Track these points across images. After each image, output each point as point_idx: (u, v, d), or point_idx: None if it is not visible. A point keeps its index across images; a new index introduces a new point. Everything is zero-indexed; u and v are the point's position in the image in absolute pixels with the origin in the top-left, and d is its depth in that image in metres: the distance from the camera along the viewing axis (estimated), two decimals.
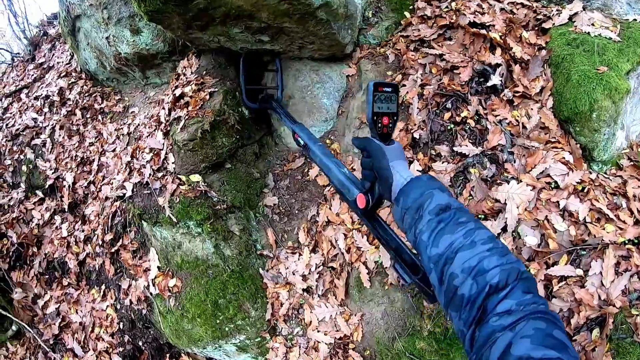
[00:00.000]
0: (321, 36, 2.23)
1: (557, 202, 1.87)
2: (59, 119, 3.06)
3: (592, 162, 2.07)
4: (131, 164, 2.37)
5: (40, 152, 3.10)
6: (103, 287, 2.55)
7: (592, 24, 2.16)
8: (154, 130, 2.33)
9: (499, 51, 2.21)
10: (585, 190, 1.90)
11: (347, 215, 2.20)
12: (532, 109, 2.14)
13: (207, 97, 2.22)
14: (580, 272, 1.74)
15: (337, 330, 2.10)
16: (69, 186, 2.71)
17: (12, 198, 3.03)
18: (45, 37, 4.22)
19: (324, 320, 2.13)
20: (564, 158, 1.95)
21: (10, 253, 2.82)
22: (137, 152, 2.39)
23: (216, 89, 2.24)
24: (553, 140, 2.04)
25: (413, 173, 1.07)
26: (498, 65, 2.19)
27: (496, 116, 2.14)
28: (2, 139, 3.38)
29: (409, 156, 2.18)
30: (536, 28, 2.25)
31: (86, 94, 3.07)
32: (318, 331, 2.13)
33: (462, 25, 2.30)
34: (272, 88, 2.54)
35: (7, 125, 3.46)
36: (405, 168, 1.07)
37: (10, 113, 3.56)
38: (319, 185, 2.36)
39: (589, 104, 1.94)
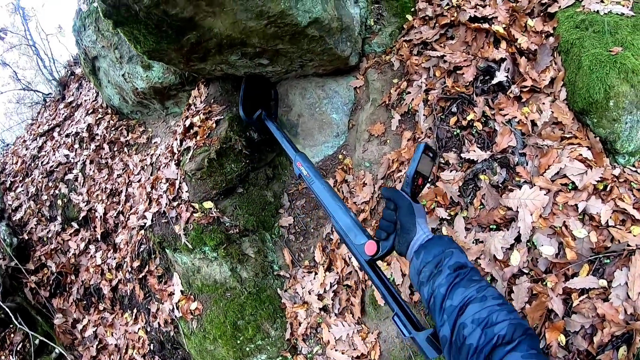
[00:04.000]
0: (318, 52, 2.26)
1: (576, 205, 1.74)
2: (88, 154, 3.31)
3: (617, 155, 1.89)
4: (151, 194, 2.52)
5: (73, 186, 3.35)
6: (135, 310, 2.71)
7: (601, 1, 2.01)
8: (169, 161, 2.48)
9: (503, 44, 2.12)
10: (608, 189, 1.75)
11: None
12: (543, 103, 2.02)
13: (214, 125, 2.31)
14: (603, 283, 1.60)
15: (355, 349, 2.11)
16: (101, 217, 2.92)
17: (50, 230, 3.30)
18: (73, 77, 4.55)
19: (341, 339, 2.13)
20: (581, 155, 1.82)
21: (51, 282, 3.09)
22: (157, 182, 2.54)
23: (222, 117, 2.33)
24: (568, 135, 1.91)
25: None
26: (503, 60, 2.09)
27: (504, 115, 2.05)
28: (38, 176, 3.67)
29: None
30: (542, 14, 2.12)
31: (112, 128, 3.30)
32: (336, 350, 2.14)
33: (463, 22, 2.23)
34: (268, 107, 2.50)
35: (42, 163, 3.77)
36: (427, 226, 1.14)
37: (45, 151, 3.87)
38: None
39: (604, 91, 1.79)
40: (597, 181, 1.75)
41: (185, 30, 1.97)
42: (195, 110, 2.45)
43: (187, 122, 2.41)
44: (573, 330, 1.59)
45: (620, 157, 1.91)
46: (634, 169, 1.90)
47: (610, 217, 1.68)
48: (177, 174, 2.36)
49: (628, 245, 1.60)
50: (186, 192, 2.29)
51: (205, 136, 2.29)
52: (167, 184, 2.41)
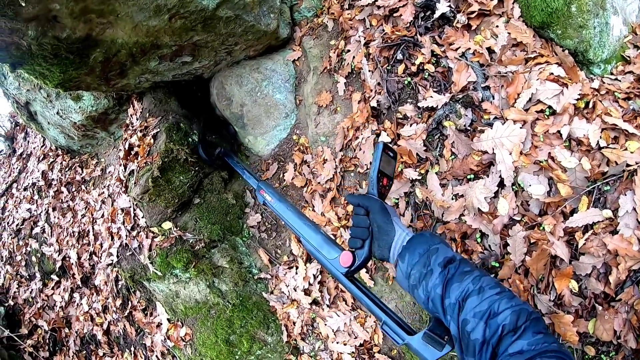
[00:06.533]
0: (241, 34, 2.05)
1: (558, 131, 1.52)
2: (49, 202, 3.15)
3: (591, 66, 1.67)
4: (111, 229, 2.39)
5: (42, 238, 3.20)
6: (132, 349, 2.57)
7: None
8: (120, 189, 2.34)
9: None
10: (591, 105, 1.52)
11: (332, 213, 2.05)
12: (497, 26, 1.80)
13: (152, 140, 2.10)
14: (608, 213, 1.38)
15: (356, 337, 1.94)
16: (76, 262, 2.76)
17: (32, 290, 3.17)
18: (18, 127, 4.38)
19: (339, 330, 1.98)
20: (552, 74, 1.59)
21: (47, 340, 3.02)
22: (114, 214, 2.42)
23: (159, 129, 2.12)
24: (533, 55, 1.67)
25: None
26: None
27: (456, 50, 1.82)
28: (7, 238, 3.54)
29: (375, 129, 1.99)
30: None
31: (66, 169, 3.12)
32: (337, 342, 1.99)
33: None
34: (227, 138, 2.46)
35: (8, 223, 3.63)
36: (403, 225, 1.08)
37: (8, 211, 3.73)
38: (298, 187, 2.20)
39: None
40: (577, 99, 1.53)
41: (87, 50, 1.74)
42: (132, 130, 2.27)
43: (127, 144, 2.23)
44: (584, 273, 1.41)
45: (595, 67, 1.68)
46: (613, 76, 1.67)
47: (601, 137, 1.47)
48: (129, 201, 2.22)
49: (627, 166, 1.39)
50: (142, 217, 2.11)
51: (145, 155, 2.10)
52: (123, 214, 2.26)
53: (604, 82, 1.64)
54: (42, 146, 3.57)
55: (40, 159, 3.50)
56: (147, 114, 2.26)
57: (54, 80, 1.85)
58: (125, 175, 2.18)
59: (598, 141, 1.48)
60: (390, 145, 1.21)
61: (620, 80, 1.65)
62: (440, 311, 0.89)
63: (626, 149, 1.44)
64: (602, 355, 1.45)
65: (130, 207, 2.20)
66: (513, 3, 1.82)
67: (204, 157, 2.18)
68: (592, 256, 1.41)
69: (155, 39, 1.86)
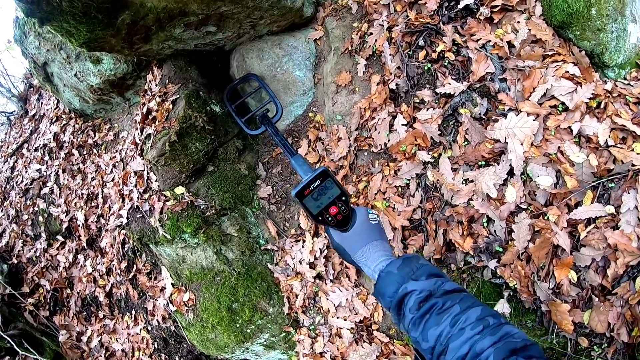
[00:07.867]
0: (267, 8, 2.10)
1: (569, 127, 1.58)
2: (60, 163, 3.20)
3: (606, 69, 1.73)
4: (122, 191, 2.44)
5: (50, 199, 3.25)
6: (133, 312, 2.64)
7: None
8: (134, 153, 2.39)
9: None
10: (602, 106, 1.58)
11: None
12: (518, 22, 1.86)
13: (171, 106, 2.15)
14: (610, 209, 1.45)
15: (356, 314, 2.01)
16: (83, 224, 2.81)
17: (37, 249, 3.23)
18: (32, 89, 4.41)
19: (340, 305, 2.03)
20: (567, 72, 1.65)
21: (48, 300, 3.07)
22: (126, 177, 2.46)
23: (178, 96, 2.17)
24: (551, 53, 1.73)
25: (384, 249, 1.05)
26: None
27: (477, 41, 1.89)
28: (15, 197, 3.59)
29: (391, 110, 2.05)
30: None
31: (79, 132, 3.17)
32: (337, 317, 2.05)
33: None
34: (265, 105, 2.33)
35: (16, 182, 3.68)
36: (370, 252, 1.04)
37: (17, 170, 3.78)
38: (311, 163, 2.28)
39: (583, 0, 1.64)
40: (589, 98, 1.59)
41: (117, 12, 1.78)
42: (151, 95, 2.32)
43: (145, 109, 2.28)
44: (584, 264, 1.47)
45: (609, 70, 1.75)
46: (626, 82, 1.73)
47: (609, 136, 1.53)
48: (143, 164, 2.28)
49: (632, 165, 1.46)
50: (155, 181, 2.17)
51: (163, 119, 2.16)
52: (136, 177, 2.32)
53: (617, 86, 1.69)
54: (55, 108, 3.62)
55: (53, 120, 3.55)
56: (167, 81, 2.32)
57: (80, 38, 1.89)
58: (142, 138, 2.24)
59: (607, 140, 1.54)
60: (306, 181, 1.04)
61: (632, 86, 1.71)
62: (423, 351, 0.88)
63: (633, 150, 1.50)
64: (595, 347, 1.51)
65: (143, 170, 2.26)
66: (535, 1, 1.87)
67: (253, 132, 2.17)
68: (593, 249, 1.47)
69: (183, 6, 1.91)
